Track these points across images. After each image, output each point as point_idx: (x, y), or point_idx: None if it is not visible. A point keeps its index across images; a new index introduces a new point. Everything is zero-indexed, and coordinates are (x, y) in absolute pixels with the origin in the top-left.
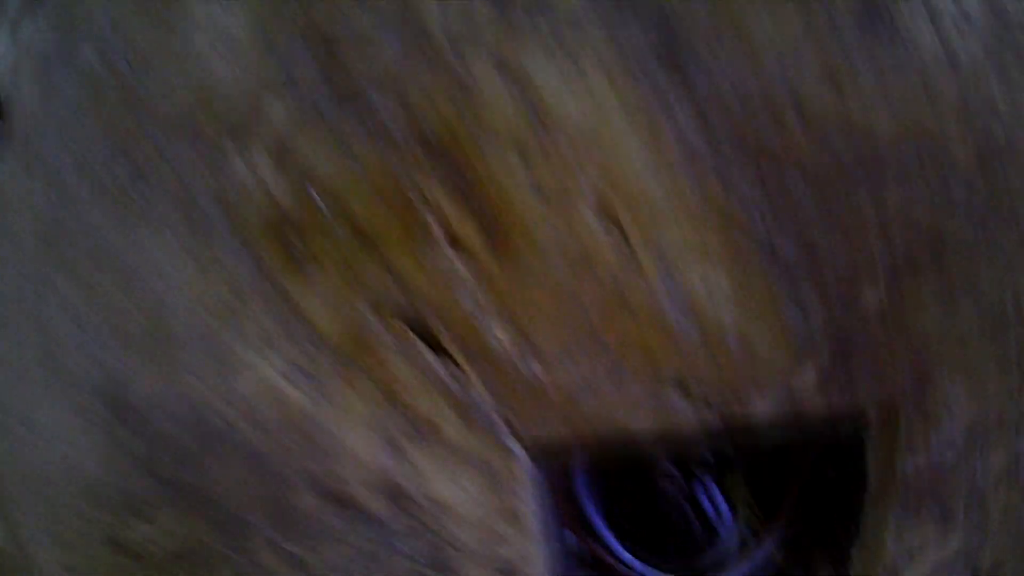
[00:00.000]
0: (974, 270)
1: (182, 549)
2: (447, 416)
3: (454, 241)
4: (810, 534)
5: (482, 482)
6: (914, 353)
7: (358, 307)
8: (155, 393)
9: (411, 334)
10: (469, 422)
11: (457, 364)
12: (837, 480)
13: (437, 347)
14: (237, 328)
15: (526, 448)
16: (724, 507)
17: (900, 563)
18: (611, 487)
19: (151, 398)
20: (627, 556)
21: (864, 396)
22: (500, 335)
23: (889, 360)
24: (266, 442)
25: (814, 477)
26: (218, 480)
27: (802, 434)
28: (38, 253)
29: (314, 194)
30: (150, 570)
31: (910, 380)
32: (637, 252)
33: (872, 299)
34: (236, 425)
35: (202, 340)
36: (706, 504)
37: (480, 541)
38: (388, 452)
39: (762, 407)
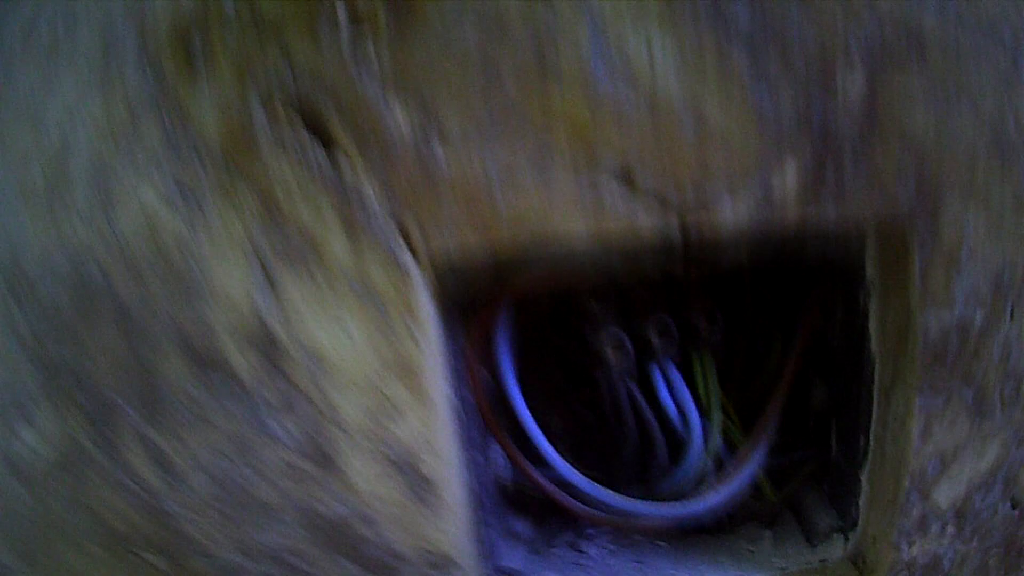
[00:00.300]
0: (965, 75)
1: (59, 458)
2: (331, 225)
3: (355, 17)
4: (801, 449)
5: (369, 320)
6: (915, 162)
7: (249, 101)
8: (45, 252)
9: (299, 124)
10: (356, 231)
11: (348, 155)
12: (840, 357)
13: (326, 137)
14: (128, 152)
15: (426, 269)
16: (691, 407)
17: (931, 472)
18: (544, 378)
19: (41, 259)
20: (567, 469)
21: (861, 208)
22: (400, 116)
23: (886, 167)
24: (137, 291)
25: (808, 362)
26: (91, 353)
27: (787, 256)
28: None
29: None
30: (33, 490)
31: (915, 197)
32: (562, 9)
33: (852, 87)
34: (111, 273)
35: (95, 175)
36: (667, 402)
37: (367, 413)
38: (262, 284)
39: (732, 211)
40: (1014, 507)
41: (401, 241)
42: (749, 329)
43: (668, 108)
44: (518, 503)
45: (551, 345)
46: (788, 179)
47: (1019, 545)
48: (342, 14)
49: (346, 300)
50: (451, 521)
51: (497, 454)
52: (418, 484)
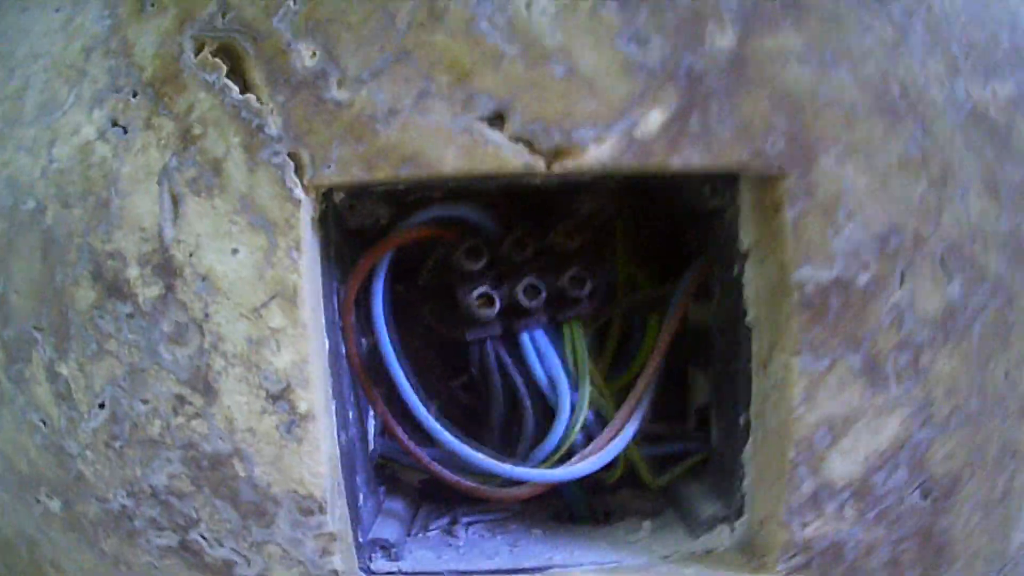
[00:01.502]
0: (843, 39)
1: None
2: (234, 154)
3: None
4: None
5: (259, 247)
6: (787, 117)
7: (182, 38)
8: None
9: (221, 61)
10: (256, 161)
11: (257, 90)
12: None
13: (242, 74)
14: (78, 90)
15: (313, 200)
16: (560, 375)
17: (820, 443)
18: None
19: None
20: (437, 430)
21: (728, 157)
22: (306, 56)
23: (755, 119)
24: (64, 221)
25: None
26: (17, 285)
27: (658, 196)
28: None
29: None
30: None
31: (786, 151)
32: None
33: (722, 41)
34: (46, 205)
35: (45, 112)
36: (536, 368)
37: (248, 341)
38: (169, 212)
39: (597, 150)
40: (925, 496)
41: (295, 171)
42: (623, 305)
43: (542, 57)
44: (390, 483)
45: (420, 306)
46: (651, 122)
47: (936, 540)
48: None
49: (241, 227)
50: (323, 464)
51: (368, 425)
52: (291, 417)
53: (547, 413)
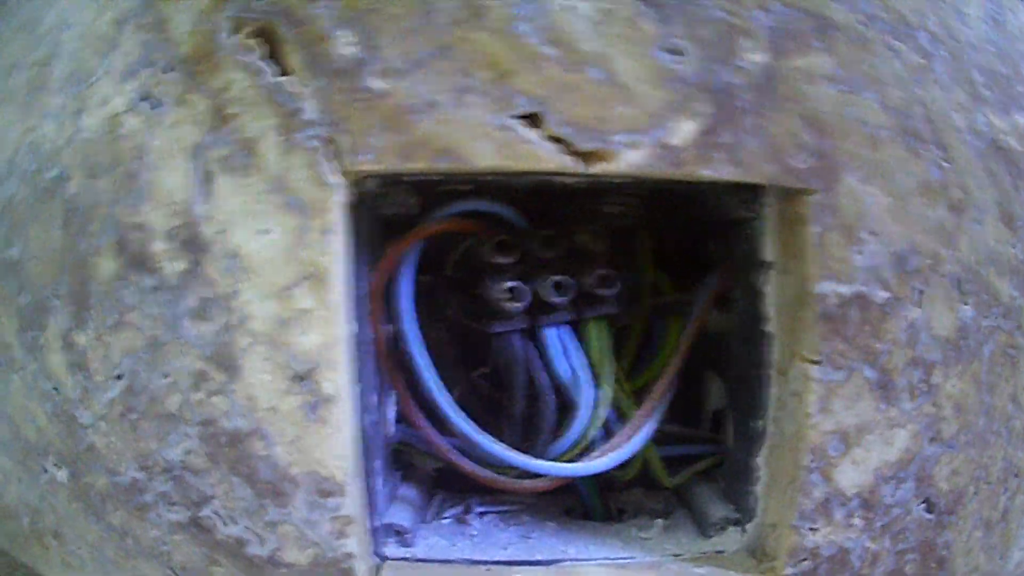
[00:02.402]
0: (871, 63)
1: None
2: (270, 136)
3: None
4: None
5: (291, 228)
6: (814, 136)
7: (220, 17)
8: (15, 151)
9: (258, 42)
10: (291, 144)
11: (295, 74)
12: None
13: (279, 57)
14: (108, 61)
15: (348, 185)
16: (583, 372)
17: (833, 451)
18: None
19: (10, 158)
20: (461, 421)
21: (758, 170)
22: (345, 44)
23: (783, 136)
24: (88, 190)
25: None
26: (36, 252)
27: (685, 204)
28: None
29: None
30: None
31: (812, 168)
32: None
33: (755, 57)
34: (71, 174)
35: (73, 82)
36: (560, 364)
37: (275, 320)
38: (200, 188)
39: (630, 155)
40: (929, 510)
41: (331, 155)
42: (646, 308)
43: (580, 61)
44: (405, 469)
45: (443, 297)
46: (684, 131)
47: (938, 554)
48: None
49: (273, 207)
50: (345, 446)
51: (388, 412)
52: (315, 398)
53: (567, 408)
